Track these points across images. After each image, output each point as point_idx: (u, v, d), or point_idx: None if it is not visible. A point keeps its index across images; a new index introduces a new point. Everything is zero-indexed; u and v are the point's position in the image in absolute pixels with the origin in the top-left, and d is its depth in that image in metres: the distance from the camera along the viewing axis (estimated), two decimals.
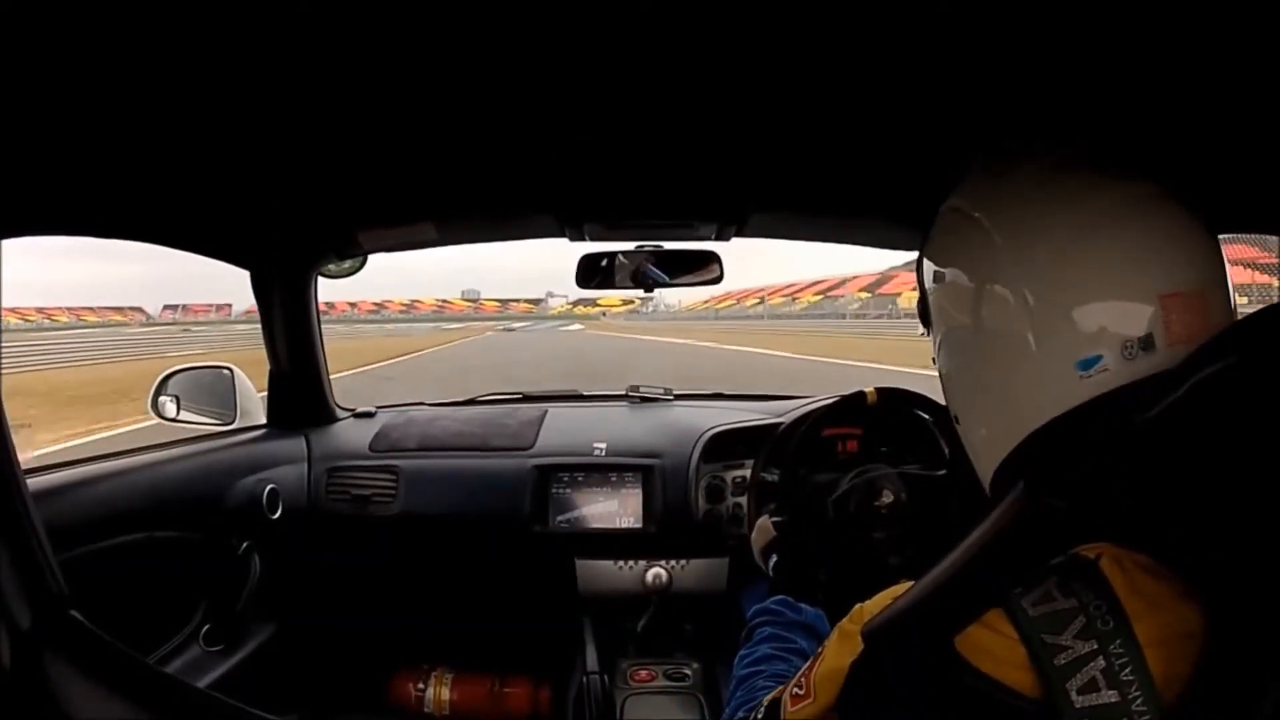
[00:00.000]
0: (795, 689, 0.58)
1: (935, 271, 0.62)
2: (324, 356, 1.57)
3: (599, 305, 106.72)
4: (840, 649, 0.55)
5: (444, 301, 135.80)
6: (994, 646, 0.45)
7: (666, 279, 1.39)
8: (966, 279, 0.57)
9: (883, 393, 1.19)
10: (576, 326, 55.40)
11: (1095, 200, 0.52)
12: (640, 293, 1.52)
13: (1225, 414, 0.42)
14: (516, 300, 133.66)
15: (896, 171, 0.99)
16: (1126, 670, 0.41)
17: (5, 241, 0.75)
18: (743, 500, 1.41)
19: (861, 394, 1.19)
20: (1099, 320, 0.50)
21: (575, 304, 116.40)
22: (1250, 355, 0.42)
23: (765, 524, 1.08)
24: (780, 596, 0.86)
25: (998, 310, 0.54)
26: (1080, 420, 0.49)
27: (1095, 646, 0.42)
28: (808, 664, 0.58)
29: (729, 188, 1.15)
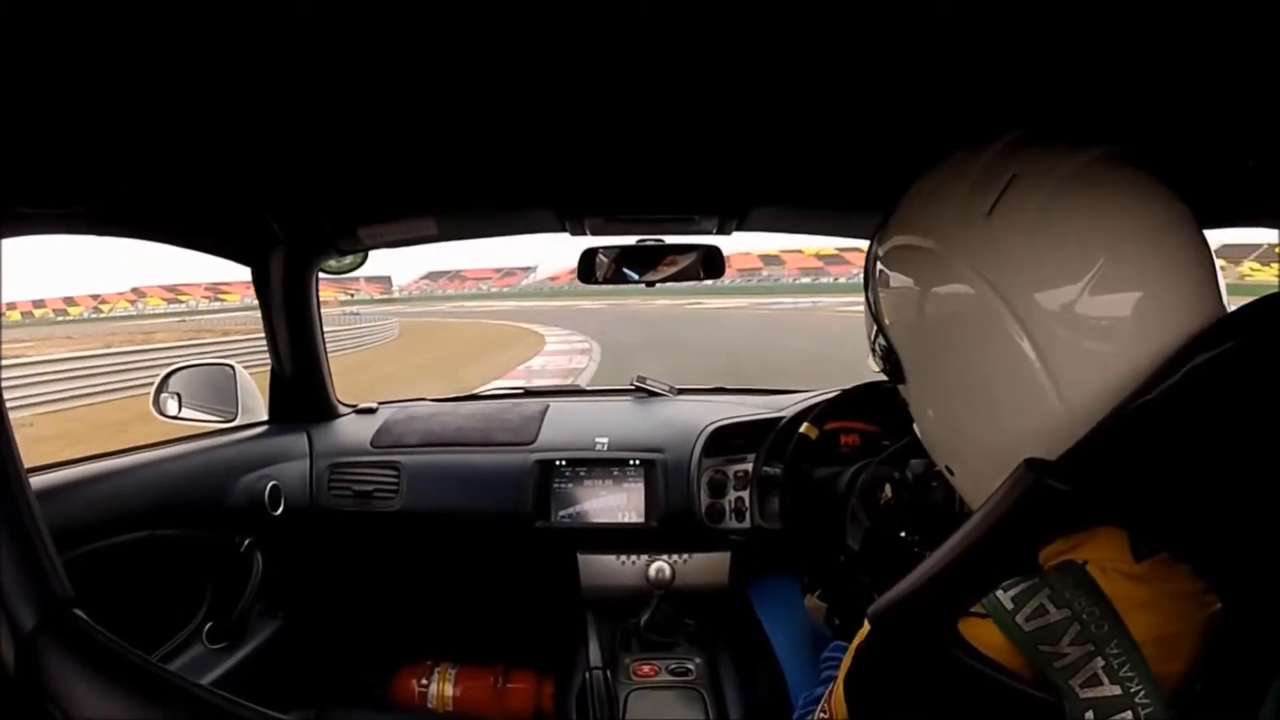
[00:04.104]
0: (820, 714, 0.61)
1: (910, 317, 0.61)
2: (325, 352, 1.57)
3: None
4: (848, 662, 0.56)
5: None
6: (989, 637, 0.46)
7: (668, 273, 1.39)
8: (969, 320, 0.54)
9: (820, 423, 1.19)
10: None
11: (1123, 223, 0.50)
12: None
13: (1223, 398, 0.42)
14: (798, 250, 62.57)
15: (897, 166, 0.98)
16: (1126, 668, 0.42)
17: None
18: (745, 495, 1.41)
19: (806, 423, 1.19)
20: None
21: None
22: (1249, 341, 0.43)
23: (813, 603, 1.09)
24: (838, 642, 0.87)
25: (1007, 359, 0.52)
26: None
27: (1092, 649, 0.43)
28: (829, 687, 0.61)
29: (729, 182, 1.15)
